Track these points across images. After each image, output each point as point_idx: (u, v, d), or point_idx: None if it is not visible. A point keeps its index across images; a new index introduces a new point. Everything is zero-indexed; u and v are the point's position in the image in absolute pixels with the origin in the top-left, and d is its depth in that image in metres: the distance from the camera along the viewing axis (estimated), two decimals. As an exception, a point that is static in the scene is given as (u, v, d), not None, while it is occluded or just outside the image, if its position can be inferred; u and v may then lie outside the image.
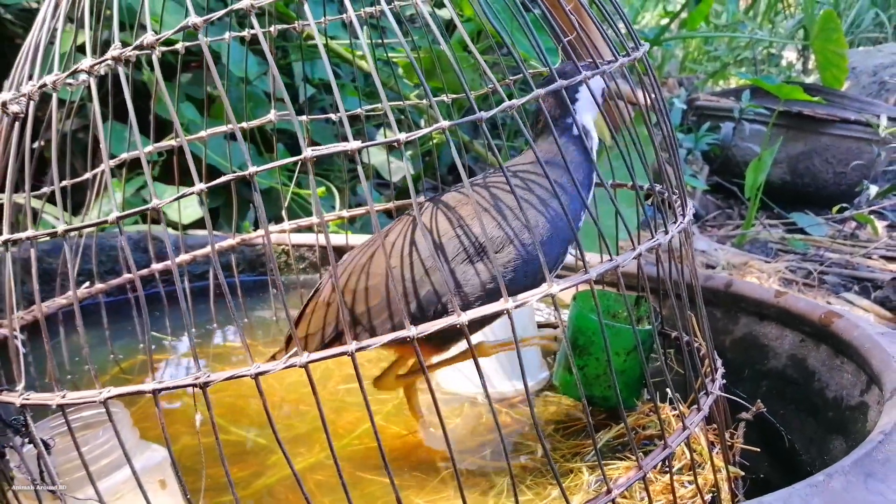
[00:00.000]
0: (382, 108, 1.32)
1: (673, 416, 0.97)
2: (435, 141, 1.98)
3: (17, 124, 0.69)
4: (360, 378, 0.61)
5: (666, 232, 0.75)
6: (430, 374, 0.95)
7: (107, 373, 1.21)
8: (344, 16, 1.28)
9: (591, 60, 0.79)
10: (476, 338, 0.93)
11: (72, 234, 0.64)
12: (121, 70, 0.61)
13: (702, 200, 2.87)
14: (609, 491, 0.68)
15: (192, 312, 1.34)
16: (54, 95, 0.65)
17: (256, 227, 1.85)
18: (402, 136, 0.59)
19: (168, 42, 0.62)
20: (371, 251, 0.88)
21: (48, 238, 0.66)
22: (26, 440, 0.69)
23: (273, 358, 0.93)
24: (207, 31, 0.59)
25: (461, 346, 0.91)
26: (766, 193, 2.66)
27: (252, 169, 0.58)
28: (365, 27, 1.20)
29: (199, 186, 0.58)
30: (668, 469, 0.78)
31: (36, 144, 0.88)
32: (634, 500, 0.82)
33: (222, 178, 0.60)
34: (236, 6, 0.59)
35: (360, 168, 0.58)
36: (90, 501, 0.68)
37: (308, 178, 1.88)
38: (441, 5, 1.86)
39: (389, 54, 1.45)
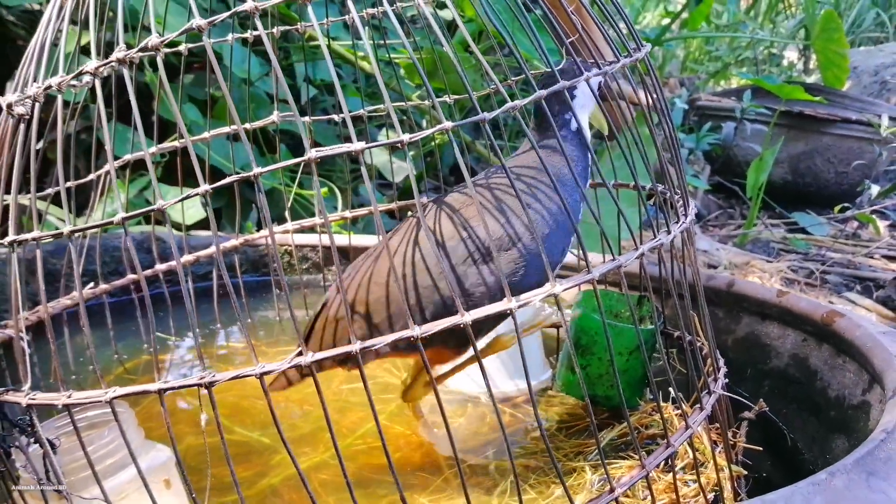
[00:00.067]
0: (385, 108, 1.33)
1: (675, 415, 0.97)
2: (437, 141, 1.98)
3: (21, 126, 0.70)
4: (364, 378, 0.61)
5: (668, 232, 0.75)
6: (449, 377, 0.97)
7: (111, 373, 1.22)
8: (346, 17, 1.28)
9: (592, 61, 0.79)
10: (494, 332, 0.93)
11: (76, 235, 0.64)
12: (125, 72, 0.61)
13: (703, 200, 2.87)
14: (612, 490, 0.68)
15: (196, 313, 1.35)
16: (59, 97, 0.65)
17: (259, 227, 1.86)
18: (406, 137, 0.60)
19: (171, 44, 0.63)
20: (377, 259, 0.88)
21: (51, 239, 0.66)
22: (32, 440, 0.70)
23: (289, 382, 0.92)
24: (210, 32, 0.59)
25: (481, 343, 0.92)
26: (768, 193, 2.66)
27: (256, 170, 0.58)
28: (366, 28, 1.20)
29: (204, 187, 0.58)
30: (670, 468, 0.78)
31: (40, 145, 0.89)
32: (637, 499, 0.83)
33: (227, 180, 0.60)
34: (240, 8, 0.59)
35: (363, 169, 0.58)
36: (96, 501, 0.68)
37: (309, 179, 1.88)
38: (443, 6, 1.86)
39: (391, 55, 1.45)
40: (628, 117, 0.79)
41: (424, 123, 2.22)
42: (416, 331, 0.60)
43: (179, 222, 1.60)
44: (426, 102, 1.53)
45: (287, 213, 1.43)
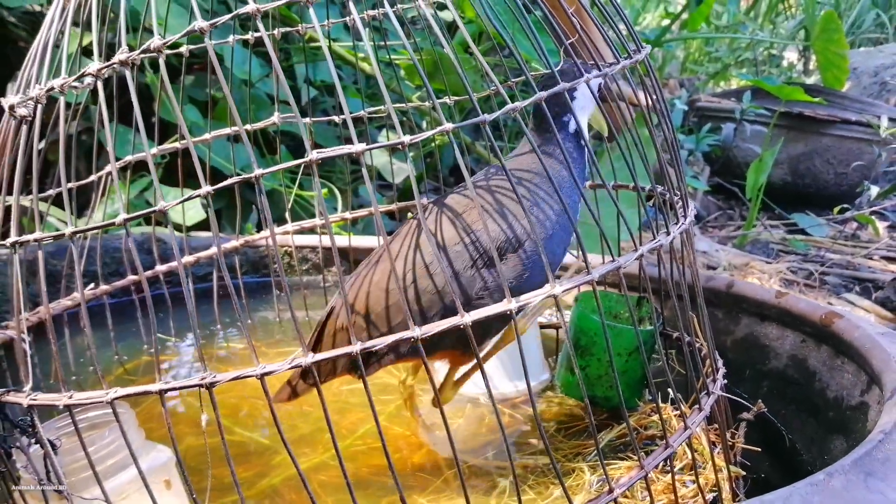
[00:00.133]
0: (385, 109, 1.33)
1: (674, 416, 0.97)
2: (437, 142, 1.98)
3: (23, 127, 0.70)
4: (364, 379, 0.62)
5: (667, 233, 0.76)
6: (435, 377, 0.97)
7: (111, 374, 1.22)
8: (347, 19, 1.29)
9: (592, 62, 0.79)
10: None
11: (77, 236, 0.64)
12: (128, 74, 0.61)
13: (703, 201, 2.87)
14: (611, 490, 0.68)
15: (196, 314, 1.35)
16: (62, 99, 0.65)
17: (259, 228, 1.86)
18: (407, 139, 0.60)
19: (173, 45, 0.63)
20: (380, 266, 0.87)
21: (51, 240, 0.66)
22: (33, 440, 0.70)
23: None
24: (212, 34, 0.60)
25: (495, 338, 0.92)
26: (767, 194, 2.66)
27: (258, 171, 0.59)
28: (367, 29, 1.20)
29: (206, 189, 0.59)
30: (669, 469, 0.79)
31: (41, 145, 0.89)
32: (636, 499, 0.83)
33: (228, 181, 0.61)
34: (242, 10, 0.60)
35: (364, 170, 0.59)
36: (96, 501, 0.68)
37: (309, 180, 1.89)
38: (443, 7, 1.87)
39: (391, 56, 1.45)
40: (628, 118, 0.80)
41: (424, 124, 2.22)
42: (417, 332, 0.61)
43: (179, 223, 1.60)
44: (426, 104, 1.53)
45: (287, 215, 1.43)
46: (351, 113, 0.61)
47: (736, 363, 1.10)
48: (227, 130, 1.24)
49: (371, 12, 1.20)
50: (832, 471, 0.64)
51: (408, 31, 1.29)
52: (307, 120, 1.32)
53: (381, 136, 2.23)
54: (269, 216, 0.59)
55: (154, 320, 0.64)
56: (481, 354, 0.93)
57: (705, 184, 2.82)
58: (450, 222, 0.85)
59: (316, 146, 0.59)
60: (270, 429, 1.03)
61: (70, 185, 1.06)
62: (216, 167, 1.78)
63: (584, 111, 0.94)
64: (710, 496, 0.83)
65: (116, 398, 0.62)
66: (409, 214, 1.47)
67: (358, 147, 0.59)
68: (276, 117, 1.22)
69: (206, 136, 1.22)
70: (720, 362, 0.91)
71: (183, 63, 1.19)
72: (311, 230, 1.44)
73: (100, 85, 0.64)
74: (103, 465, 0.73)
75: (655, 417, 0.99)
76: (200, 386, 0.60)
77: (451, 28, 2.35)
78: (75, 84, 0.65)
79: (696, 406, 0.80)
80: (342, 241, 1.47)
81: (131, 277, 1.28)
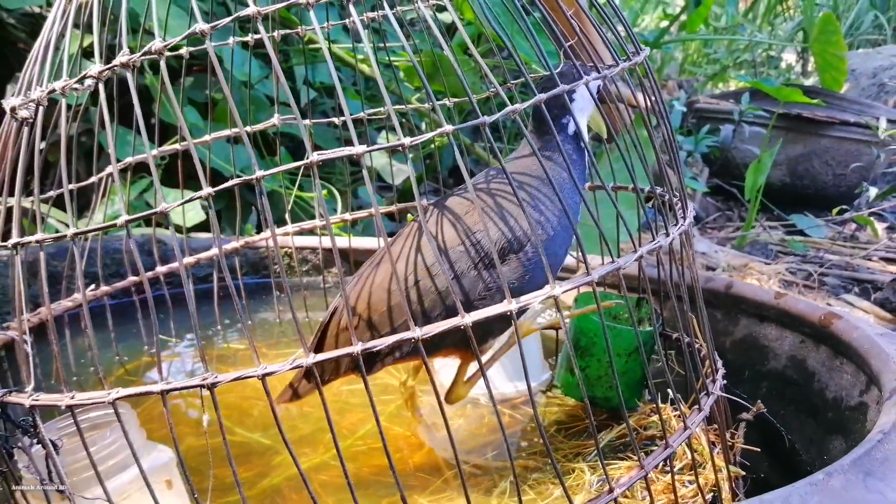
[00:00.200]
0: (385, 111, 1.33)
1: (674, 416, 0.98)
2: (437, 144, 1.99)
3: (25, 129, 0.70)
4: (365, 379, 0.62)
5: (667, 234, 0.76)
6: (435, 377, 0.97)
7: (112, 374, 1.22)
8: (347, 21, 1.29)
9: (591, 64, 0.80)
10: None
11: (78, 237, 0.65)
12: (129, 76, 0.62)
13: (702, 202, 2.88)
14: (611, 490, 0.69)
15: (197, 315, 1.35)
16: (63, 101, 0.65)
17: (259, 229, 1.86)
18: (407, 141, 0.60)
19: (173, 47, 0.63)
20: (382, 267, 0.88)
21: (51, 241, 0.67)
22: (35, 441, 0.70)
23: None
24: (212, 37, 0.60)
25: (500, 339, 0.93)
26: (766, 195, 2.66)
27: (259, 173, 0.59)
28: (367, 31, 1.21)
29: (207, 190, 0.59)
30: (669, 469, 0.79)
31: (42, 146, 0.89)
32: (636, 499, 0.83)
33: (229, 183, 0.61)
34: (243, 13, 0.60)
35: (365, 172, 0.59)
36: (98, 501, 0.69)
37: (309, 181, 1.89)
38: (442, 9, 1.87)
39: (391, 58, 1.46)
40: (627, 120, 0.80)
41: (424, 126, 2.22)
42: (417, 332, 0.61)
43: (180, 225, 1.60)
44: (426, 105, 1.53)
45: (287, 216, 1.43)
46: (351, 115, 0.62)
47: (735, 364, 1.11)
48: (228, 132, 1.24)
49: (370, 14, 1.20)
50: (831, 471, 0.65)
51: (407, 32, 1.29)
52: (307, 122, 1.32)
53: (381, 138, 2.24)
54: (270, 217, 0.59)
55: (156, 321, 0.65)
56: (489, 354, 0.93)
57: (704, 185, 2.82)
58: (451, 224, 0.86)
59: (316, 148, 0.59)
60: (271, 429, 1.03)
61: (71, 186, 1.06)
62: (216, 168, 1.78)
63: (584, 113, 0.94)
64: (709, 496, 0.83)
65: (118, 398, 0.62)
66: (410, 216, 1.48)
67: (358, 149, 0.59)
68: (276, 119, 1.22)
69: (206, 137, 1.23)
70: (719, 363, 0.91)
71: (183, 65, 1.20)
72: (311, 231, 1.44)
73: (101, 87, 0.64)
74: (105, 465, 0.73)
75: (655, 418, 1.00)
76: (202, 386, 0.60)
77: (450, 30, 2.35)
78: (76, 86, 0.66)
79: (696, 406, 0.80)
80: (342, 242, 1.47)
81: (132, 278, 1.29)
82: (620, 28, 0.81)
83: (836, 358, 1.00)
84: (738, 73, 4.08)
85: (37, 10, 2.05)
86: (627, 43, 0.81)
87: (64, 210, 1.75)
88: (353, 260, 1.43)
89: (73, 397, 0.64)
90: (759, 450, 0.94)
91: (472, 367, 0.93)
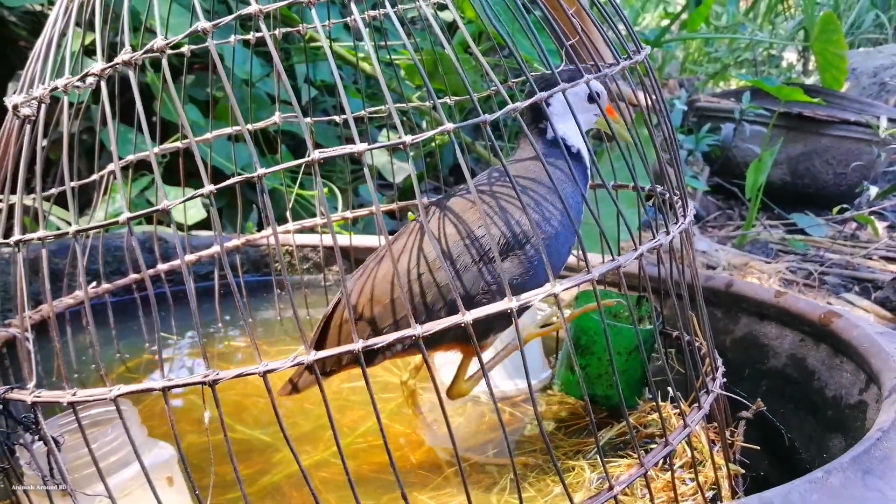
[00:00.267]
0: (386, 109, 1.33)
1: (674, 414, 0.98)
2: (437, 142, 1.99)
3: (27, 127, 0.70)
4: (366, 377, 0.62)
5: (667, 232, 0.76)
6: (436, 374, 0.97)
7: (113, 372, 1.22)
8: (348, 19, 1.29)
9: (592, 63, 0.80)
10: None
11: (80, 234, 0.65)
12: (131, 74, 0.62)
13: (702, 201, 2.88)
14: (611, 488, 0.69)
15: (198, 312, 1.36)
16: (65, 98, 0.66)
17: (260, 227, 1.86)
18: (408, 139, 0.60)
19: (175, 45, 0.63)
20: (385, 262, 0.88)
21: (53, 239, 0.67)
22: (36, 437, 0.70)
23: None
24: (214, 35, 0.60)
25: (503, 337, 0.92)
26: (767, 194, 2.66)
27: (260, 171, 0.59)
28: (367, 29, 1.21)
29: (209, 188, 0.59)
30: (669, 466, 0.79)
31: (44, 144, 0.89)
32: (636, 497, 0.83)
33: (231, 180, 0.61)
34: (244, 11, 0.60)
35: (366, 170, 0.59)
36: (99, 498, 0.69)
37: (309, 179, 1.89)
38: (443, 7, 1.87)
39: (392, 56, 1.46)
40: (628, 118, 0.80)
41: (424, 124, 2.22)
42: (418, 329, 0.61)
43: (180, 222, 1.61)
44: (427, 103, 1.54)
45: (288, 214, 1.43)
46: (352, 113, 0.62)
47: (735, 362, 1.11)
48: (229, 130, 1.24)
49: (371, 13, 1.20)
50: (830, 468, 0.65)
51: (408, 30, 1.30)
52: (308, 120, 1.32)
53: (382, 136, 2.24)
54: (272, 215, 0.60)
55: (157, 318, 0.65)
56: (490, 350, 0.93)
57: (705, 184, 2.82)
58: (453, 222, 0.86)
59: (317, 146, 0.60)
60: (271, 426, 1.04)
61: (73, 183, 1.06)
62: (217, 166, 1.78)
63: (563, 118, 0.93)
64: (709, 494, 0.83)
65: (120, 395, 0.62)
66: (411, 214, 1.48)
67: (360, 147, 0.59)
68: (277, 117, 1.22)
69: (208, 135, 1.23)
70: (719, 361, 0.91)
71: (184, 63, 1.20)
72: (312, 229, 1.44)
73: (103, 85, 0.64)
74: (106, 461, 0.73)
75: (655, 416, 1.00)
76: (203, 383, 0.60)
77: (451, 28, 2.35)
78: (78, 84, 0.66)
79: (696, 404, 0.80)
80: (343, 240, 1.47)
81: (133, 276, 1.29)
82: (621, 26, 0.81)
83: (835, 356, 1.00)
84: (738, 72, 4.08)
85: (38, 7, 2.05)
86: (628, 41, 0.81)
87: (64, 208, 1.75)
88: (353, 258, 1.43)
89: (74, 394, 0.64)
90: (758, 448, 0.94)
91: (474, 364, 0.93)
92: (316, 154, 0.59)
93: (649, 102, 0.82)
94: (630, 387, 1.02)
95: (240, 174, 0.61)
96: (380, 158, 2.14)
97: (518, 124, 0.72)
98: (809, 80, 3.91)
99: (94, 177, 1.21)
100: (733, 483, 0.86)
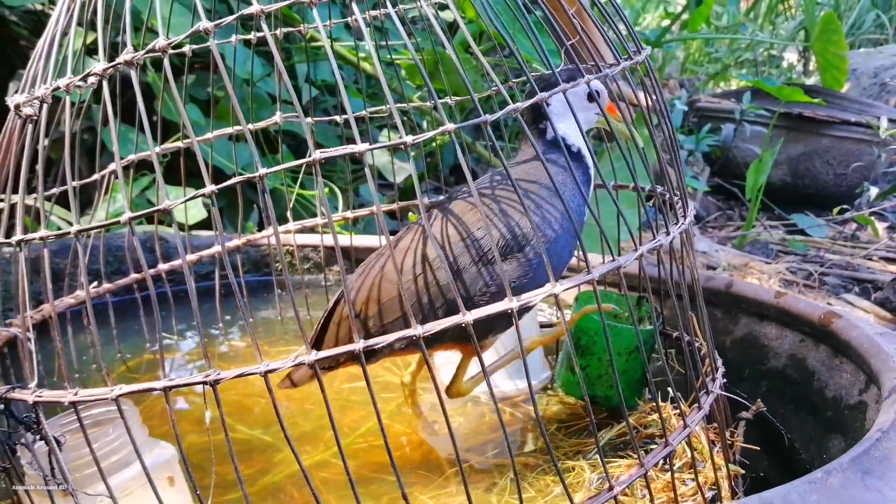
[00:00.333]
0: (387, 109, 1.33)
1: (674, 414, 0.98)
2: (438, 142, 1.99)
3: (29, 126, 0.70)
4: (366, 376, 0.62)
5: (667, 233, 0.76)
6: (437, 375, 0.97)
7: (114, 372, 1.23)
8: (349, 19, 1.29)
9: (593, 63, 0.80)
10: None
11: (81, 234, 0.65)
12: (132, 74, 0.62)
13: (703, 202, 2.88)
14: (611, 488, 0.69)
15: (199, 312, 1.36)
16: (67, 98, 0.66)
17: (260, 227, 1.87)
18: (409, 139, 0.60)
19: (176, 45, 0.63)
20: (388, 259, 0.88)
21: (54, 238, 0.67)
22: (38, 437, 0.70)
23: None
24: (215, 35, 0.60)
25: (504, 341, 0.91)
26: (767, 195, 2.66)
27: (262, 171, 0.59)
28: (368, 29, 1.21)
29: (210, 188, 0.59)
30: (669, 467, 0.79)
31: (45, 143, 0.89)
32: (636, 497, 0.83)
33: (232, 180, 0.61)
34: (246, 11, 0.60)
35: (367, 170, 0.59)
36: (101, 497, 0.69)
37: (309, 179, 1.89)
38: (444, 7, 1.87)
39: (392, 56, 1.46)
40: (628, 118, 0.80)
41: (425, 124, 2.22)
42: (419, 329, 0.61)
43: (181, 222, 1.61)
44: (427, 103, 1.54)
45: (289, 213, 1.44)
46: (352, 113, 0.62)
47: (735, 363, 1.11)
48: (230, 130, 1.24)
49: (373, 12, 1.20)
50: (830, 469, 0.65)
51: (409, 30, 1.30)
52: (309, 119, 1.33)
53: (382, 136, 2.24)
54: (273, 215, 0.60)
55: (159, 318, 0.65)
56: (491, 351, 0.93)
57: (705, 184, 2.82)
58: (454, 222, 0.86)
59: (317, 146, 0.60)
60: (272, 426, 1.04)
61: (74, 183, 1.06)
62: (218, 166, 1.78)
63: (563, 118, 0.93)
64: (709, 494, 0.83)
65: (121, 395, 0.62)
66: (412, 215, 1.48)
67: (361, 147, 0.59)
68: (278, 116, 1.22)
69: (209, 135, 1.23)
70: (719, 362, 0.91)
71: (186, 63, 1.20)
72: (313, 229, 1.44)
73: (104, 84, 0.64)
74: (107, 461, 0.73)
75: (655, 416, 1.00)
76: (205, 383, 0.60)
77: (451, 28, 2.35)
78: (80, 83, 0.66)
79: (696, 405, 0.80)
80: (344, 240, 1.47)
81: (134, 275, 1.29)
82: (622, 27, 0.81)
83: (835, 357, 1.00)
84: (739, 73, 4.09)
85: (39, 7, 2.05)
86: (629, 42, 0.81)
87: (64, 207, 1.76)
88: (354, 258, 1.43)
89: (76, 394, 0.64)
90: (758, 448, 0.94)
91: (475, 363, 0.93)
92: (317, 154, 0.59)
93: (650, 103, 0.82)
94: (630, 387, 1.02)
95: (241, 174, 0.61)
96: (380, 158, 2.14)
97: (518, 124, 0.72)
98: (810, 81, 3.91)
99: (96, 176, 1.21)
100: (733, 483, 0.86)
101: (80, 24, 0.79)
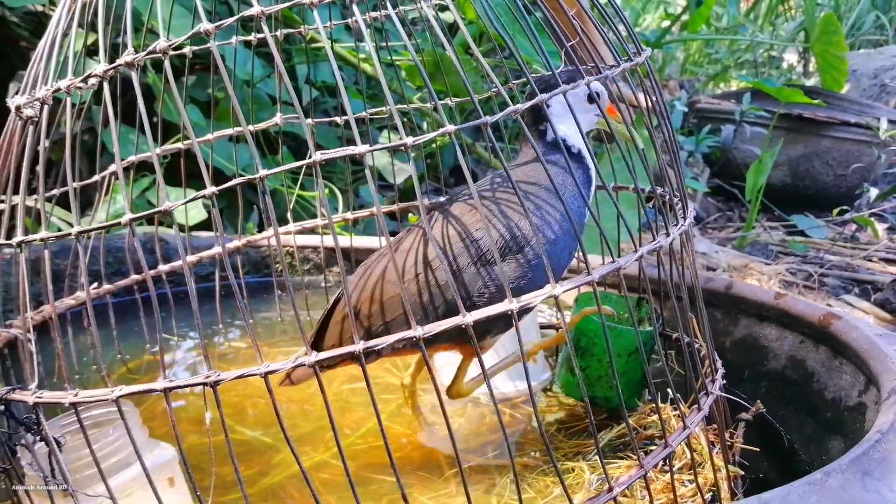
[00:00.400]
0: (387, 110, 1.33)
1: (674, 416, 0.98)
2: (438, 143, 1.99)
3: (29, 127, 0.70)
4: (367, 377, 0.62)
5: (667, 234, 0.76)
6: (437, 376, 0.97)
7: (114, 373, 1.23)
8: (350, 20, 1.29)
9: (593, 65, 0.80)
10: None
11: (82, 235, 0.65)
12: (133, 75, 0.62)
13: (702, 203, 2.88)
14: (610, 489, 0.69)
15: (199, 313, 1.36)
16: (68, 99, 0.66)
17: (260, 228, 1.87)
18: (410, 141, 0.61)
19: (177, 46, 0.64)
20: (388, 260, 0.88)
21: (55, 240, 0.67)
22: (38, 438, 0.70)
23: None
24: (216, 36, 0.60)
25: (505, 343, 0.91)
26: (767, 196, 2.66)
27: (262, 172, 0.59)
28: (368, 30, 1.21)
29: (211, 189, 0.59)
30: (668, 468, 0.79)
31: (45, 145, 0.89)
32: (635, 498, 0.84)
33: (233, 182, 0.61)
34: (247, 13, 0.60)
35: (367, 171, 0.59)
36: (101, 498, 0.69)
37: (310, 180, 1.89)
38: (444, 8, 1.87)
39: (392, 57, 1.46)
40: (628, 119, 0.80)
41: (425, 125, 2.23)
42: (419, 331, 0.61)
43: (182, 223, 1.61)
44: (428, 105, 1.54)
45: (289, 215, 1.44)
46: (353, 114, 0.62)
47: (735, 364, 1.11)
48: (230, 131, 1.25)
49: (373, 14, 1.21)
50: (829, 470, 0.65)
51: (409, 31, 1.30)
52: (310, 121, 1.33)
53: (382, 137, 2.24)
54: (273, 217, 0.60)
55: (159, 319, 0.65)
56: (491, 353, 0.93)
57: (705, 185, 2.82)
58: (454, 224, 0.86)
59: (318, 147, 0.60)
60: (272, 427, 1.04)
61: (75, 184, 1.06)
62: (218, 167, 1.78)
63: (568, 122, 0.93)
64: (708, 495, 0.83)
65: (121, 396, 0.63)
66: (412, 216, 1.48)
67: (361, 148, 0.60)
68: (278, 118, 1.22)
69: (209, 136, 1.23)
70: (719, 363, 0.91)
71: (186, 64, 1.20)
72: (313, 230, 1.45)
73: (105, 85, 0.65)
74: (107, 462, 0.73)
75: (655, 417, 1.00)
76: (205, 384, 0.60)
77: (451, 29, 2.35)
78: (80, 85, 0.66)
79: (696, 406, 0.81)
80: (344, 241, 1.47)
81: (134, 276, 1.29)
82: (622, 28, 0.81)
83: (835, 358, 1.00)
84: (739, 74, 4.09)
85: (39, 8, 2.05)
86: (629, 43, 0.81)
87: (64, 208, 1.76)
88: (354, 259, 1.43)
89: (76, 395, 0.64)
90: (758, 449, 0.94)
91: (475, 364, 0.93)
92: (317, 155, 0.59)
93: (649, 104, 0.82)
94: (630, 388, 1.02)
95: (241, 175, 0.61)
96: (381, 159, 2.14)
97: (518, 126, 0.72)
98: (810, 82, 3.92)
99: (96, 177, 1.21)
100: (732, 485, 0.86)
101: (80, 25, 0.79)
